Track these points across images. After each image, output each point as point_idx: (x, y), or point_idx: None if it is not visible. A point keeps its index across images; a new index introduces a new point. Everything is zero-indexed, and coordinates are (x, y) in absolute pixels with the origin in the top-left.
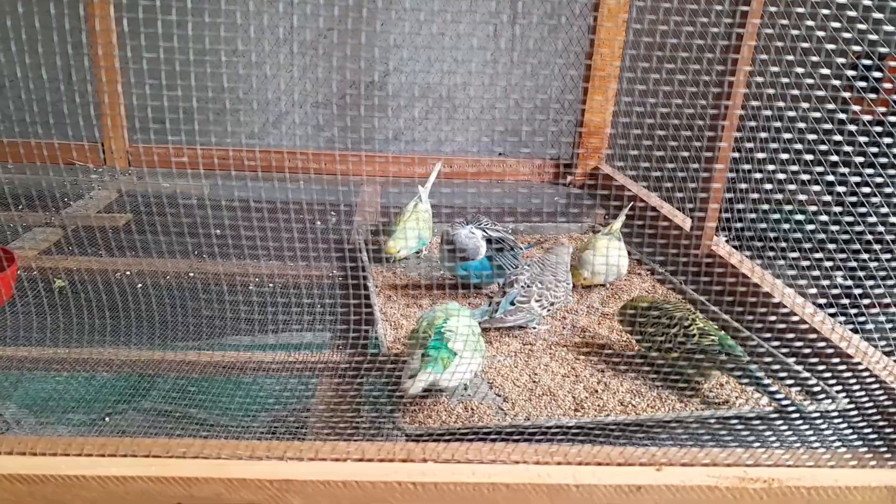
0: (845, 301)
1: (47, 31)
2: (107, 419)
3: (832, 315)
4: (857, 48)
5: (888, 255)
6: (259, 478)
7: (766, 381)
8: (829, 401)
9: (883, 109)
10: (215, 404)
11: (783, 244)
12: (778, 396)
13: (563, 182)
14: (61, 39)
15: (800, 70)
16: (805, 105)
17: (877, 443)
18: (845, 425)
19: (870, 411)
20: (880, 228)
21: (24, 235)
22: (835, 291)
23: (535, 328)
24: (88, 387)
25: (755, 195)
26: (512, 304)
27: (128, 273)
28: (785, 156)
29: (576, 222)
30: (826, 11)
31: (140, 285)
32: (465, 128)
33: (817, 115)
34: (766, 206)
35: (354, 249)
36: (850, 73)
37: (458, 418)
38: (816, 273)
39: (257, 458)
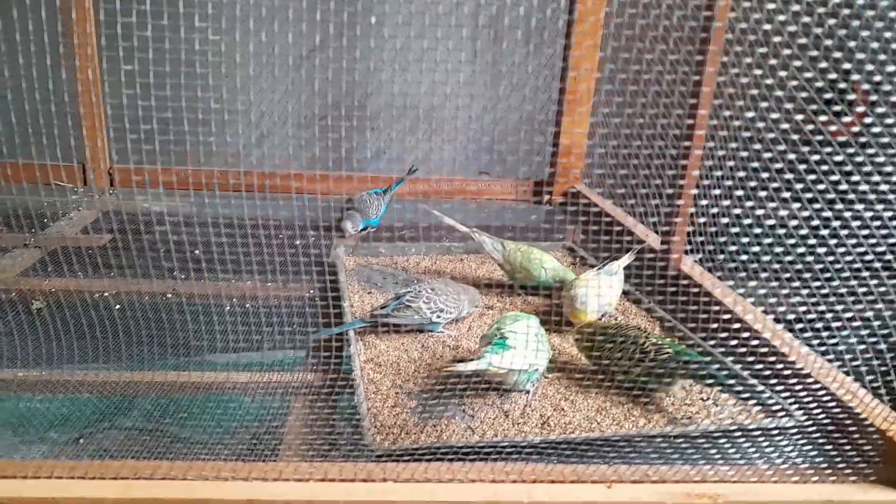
0: (804, 316)
1: (27, 49)
2: (80, 441)
3: (790, 331)
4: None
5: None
6: (224, 498)
7: (723, 375)
8: (770, 419)
9: (833, 128)
10: (183, 426)
11: (744, 257)
12: (737, 389)
13: (539, 200)
14: (41, 57)
15: (754, 91)
16: (761, 125)
17: (818, 459)
18: (786, 442)
19: (811, 429)
20: (842, 250)
21: (2, 257)
22: (794, 308)
23: (438, 332)
24: (70, 406)
25: (715, 209)
26: (401, 303)
27: (106, 294)
28: (741, 173)
29: (548, 240)
30: (778, 39)
31: (118, 306)
32: (440, 147)
33: (773, 135)
34: (725, 220)
35: (333, 265)
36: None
37: (426, 437)
38: (775, 285)
39: (223, 479)
